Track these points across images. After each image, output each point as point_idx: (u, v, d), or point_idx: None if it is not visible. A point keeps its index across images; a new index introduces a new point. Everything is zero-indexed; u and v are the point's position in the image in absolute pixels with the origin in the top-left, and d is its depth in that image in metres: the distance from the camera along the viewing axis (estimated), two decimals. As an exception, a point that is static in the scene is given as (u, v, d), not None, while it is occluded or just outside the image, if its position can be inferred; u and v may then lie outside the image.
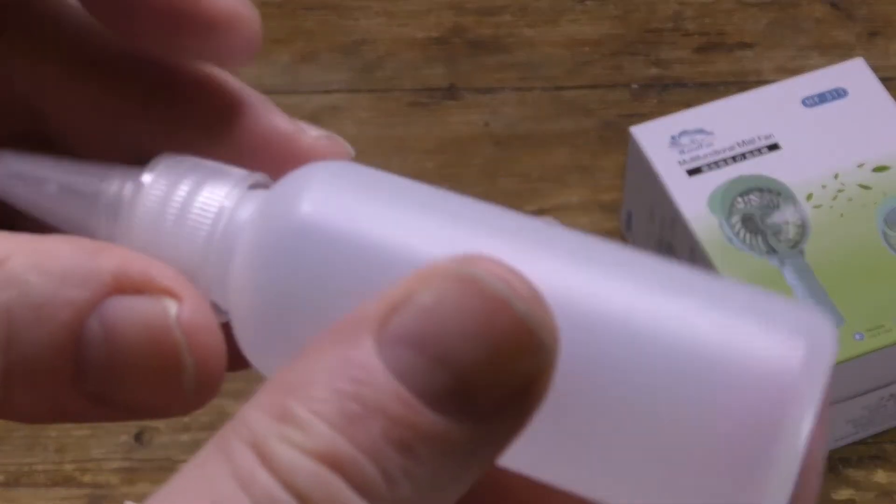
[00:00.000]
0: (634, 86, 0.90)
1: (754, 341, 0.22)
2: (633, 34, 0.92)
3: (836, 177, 0.74)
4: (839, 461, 0.73)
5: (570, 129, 0.88)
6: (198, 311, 0.24)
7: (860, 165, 0.75)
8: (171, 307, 0.24)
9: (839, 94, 0.78)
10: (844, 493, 0.72)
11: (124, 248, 0.25)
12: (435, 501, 0.21)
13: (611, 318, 0.22)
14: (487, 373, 0.21)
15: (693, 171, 0.75)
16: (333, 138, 0.29)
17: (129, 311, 0.24)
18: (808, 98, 0.78)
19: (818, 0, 0.94)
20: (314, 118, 0.87)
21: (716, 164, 0.75)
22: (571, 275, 0.23)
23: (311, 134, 0.29)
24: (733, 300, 0.23)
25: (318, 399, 0.21)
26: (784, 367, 0.22)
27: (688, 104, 0.82)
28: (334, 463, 0.21)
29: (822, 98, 0.78)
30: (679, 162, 0.75)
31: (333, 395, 0.21)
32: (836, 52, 0.90)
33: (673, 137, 0.76)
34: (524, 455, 0.22)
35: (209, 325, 0.24)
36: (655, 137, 0.76)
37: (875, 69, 0.79)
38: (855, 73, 0.79)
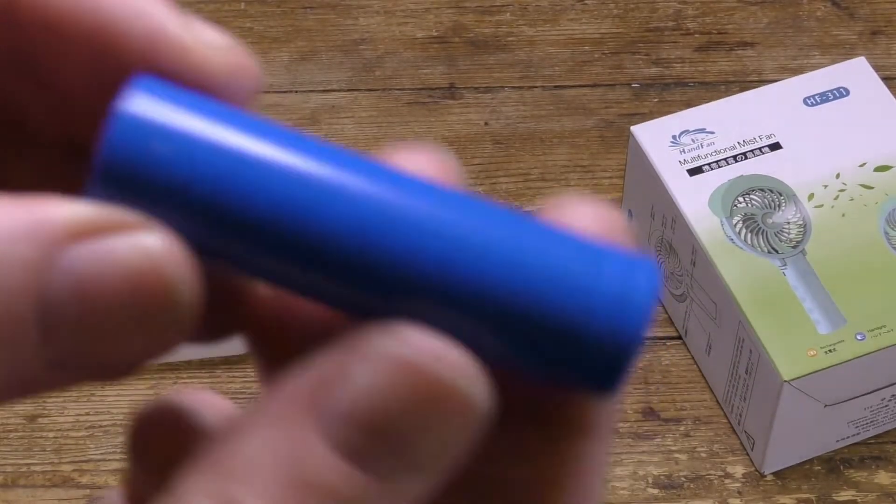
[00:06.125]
0: (635, 85, 0.89)
1: None
2: (633, 33, 0.92)
3: (837, 176, 0.74)
4: (840, 462, 0.73)
5: (571, 129, 0.87)
6: (171, 239, 0.21)
7: (862, 165, 0.74)
8: (149, 239, 0.21)
9: (841, 93, 0.77)
10: (846, 494, 0.72)
11: (68, 197, 0.21)
12: None
13: None
14: (430, 442, 0.22)
15: (694, 171, 0.74)
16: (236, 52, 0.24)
17: (98, 256, 0.21)
18: (809, 97, 0.77)
19: (819, -1, 0.93)
20: (314, 117, 0.87)
21: (717, 164, 0.75)
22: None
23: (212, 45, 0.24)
24: None
25: (262, 487, 0.21)
26: None
27: (689, 103, 0.82)
28: None
29: (823, 97, 0.77)
30: (680, 161, 0.75)
31: (279, 483, 0.21)
32: (838, 52, 0.90)
33: (674, 137, 0.76)
34: None
35: (184, 251, 0.22)
36: (656, 137, 0.76)
37: (877, 68, 0.79)
38: (857, 73, 0.78)
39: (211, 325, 0.24)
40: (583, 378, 0.23)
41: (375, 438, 0.21)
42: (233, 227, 0.22)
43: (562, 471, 0.25)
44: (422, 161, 0.24)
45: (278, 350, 0.25)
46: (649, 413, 0.75)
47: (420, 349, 0.21)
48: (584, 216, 0.25)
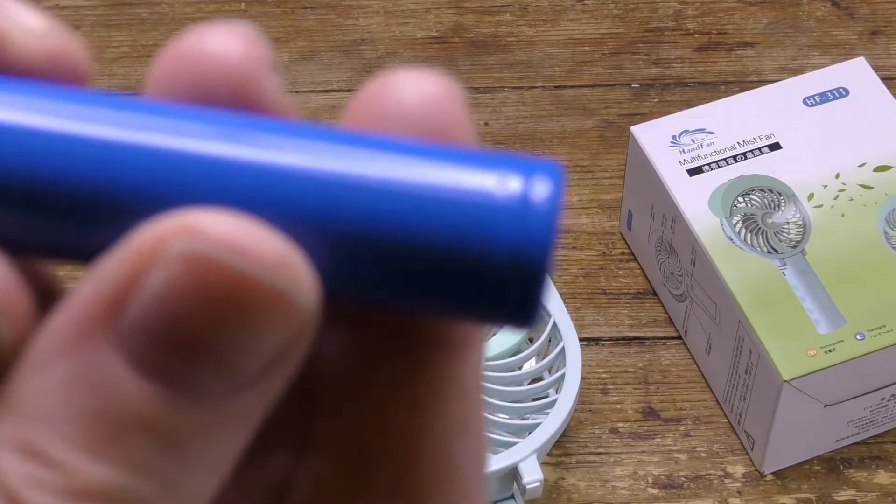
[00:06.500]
0: (635, 85, 0.89)
1: None
2: (633, 33, 0.92)
3: (837, 176, 0.74)
4: (840, 462, 0.73)
5: (571, 129, 0.87)
6: None
7: (861, 165, 0.74)
8: None
9: (840, 93, 0.77)
10: (846, 494, 0.72)
11: None
12: (219, 476, 0.19)
13: None
14: (245, 352, 0.18)
15: (694, 171, 0.74)
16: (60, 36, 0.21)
17: None
18: (809, 97, 0.77)
19: (819, -1, 0.94)
20: (314, 117, 0.87)
21: (717, 164, 0.75)
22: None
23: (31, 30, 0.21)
24: None
25: (62, 426, 0.18)
26: None
27: (688, 104, 0.82)
28: (101, 496, 0.18)
29: (823, 97, 0.77)
30: (680, 161, 0.75)
31: (79, 418, 0.18)
32: (838, 52, 0.90)
33: (674, 137, 0.76)
34: None
35: (11, 271, 0.19)
36: (656, 137, 0.76)
37: (877, 68, 0.79)
38: (856, 73, 0.78)
39: None
40: (489, 315, 0.20)
41: (178, 350, 0.18)
42: (48, 212, 0.19)
43: (430, 388, 0.21)
44: (227, 41, 0.21)
45: None
46: (649, 413, 0.75)
47: (216, 241, 0.18)
48: (413, 93, 0.21)
